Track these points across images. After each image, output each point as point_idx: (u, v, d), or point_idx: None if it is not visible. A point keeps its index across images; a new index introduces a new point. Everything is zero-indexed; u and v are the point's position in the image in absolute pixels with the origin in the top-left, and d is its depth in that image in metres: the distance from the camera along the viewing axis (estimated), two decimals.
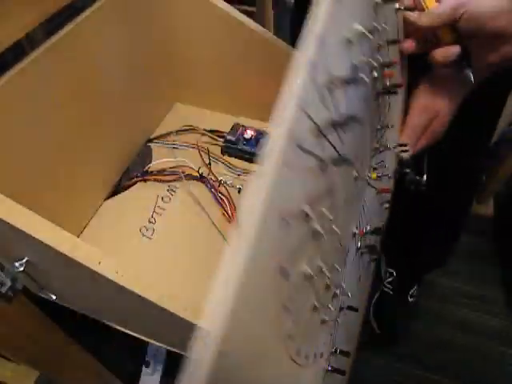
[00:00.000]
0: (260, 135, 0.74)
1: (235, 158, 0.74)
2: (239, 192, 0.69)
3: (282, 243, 0.25)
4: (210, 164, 0.71)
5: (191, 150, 0.74)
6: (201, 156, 0.71)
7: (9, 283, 0.46)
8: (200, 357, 0.20)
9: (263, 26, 0.65)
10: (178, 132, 0.77)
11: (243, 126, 0.75)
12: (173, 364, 0.68)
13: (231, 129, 0.74)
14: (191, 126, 0.77)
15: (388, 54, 0.43)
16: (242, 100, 0.77)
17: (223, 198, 0.65)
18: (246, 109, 0.79)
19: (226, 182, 0.70)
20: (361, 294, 0.50)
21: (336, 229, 0.33)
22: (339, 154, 0.31)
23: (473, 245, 1.14)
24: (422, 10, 0.45)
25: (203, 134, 0.76)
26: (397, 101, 0.50)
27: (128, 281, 0.38)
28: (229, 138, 0.73)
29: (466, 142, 0.63)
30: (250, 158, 0.73)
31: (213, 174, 0.69)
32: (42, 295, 0.53)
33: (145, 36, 0.66)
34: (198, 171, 0.69)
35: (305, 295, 0.30)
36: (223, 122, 0.77)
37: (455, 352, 0.96)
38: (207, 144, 0.74)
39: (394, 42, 0.43)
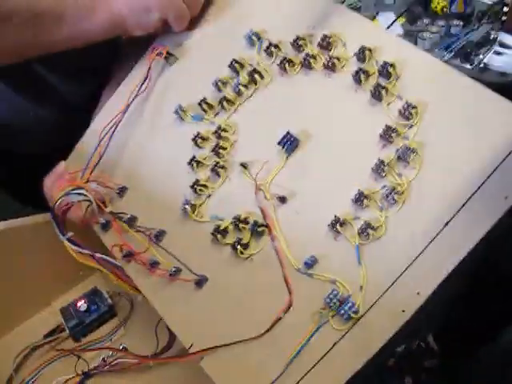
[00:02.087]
0: (91, 296, 0.69)
1: (93, 331, 0.67)
2: None
3: None
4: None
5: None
6: None
7: None
8: None
9: None
10: None
11: (69, 304, 0.68)
12: None
13: (63, 315, 0.68)
14: None
15: None
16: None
17: None
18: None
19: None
20: None
21: None
22: None
23: None
24: None
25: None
26: None
27: None
28: (71, 324, 0.66)
29: None
30: (104, 319, 0.68)
31: None
32: None
33: None
34: None
35: None
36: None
37: None
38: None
39: None
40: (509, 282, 0.78)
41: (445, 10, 1.20)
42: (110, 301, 0.69)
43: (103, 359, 0.64)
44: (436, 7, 1.23)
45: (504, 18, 1.13)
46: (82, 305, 0.69)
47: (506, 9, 1.12)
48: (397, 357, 1.05)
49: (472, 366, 0.89)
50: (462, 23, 1.17)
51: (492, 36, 1.10)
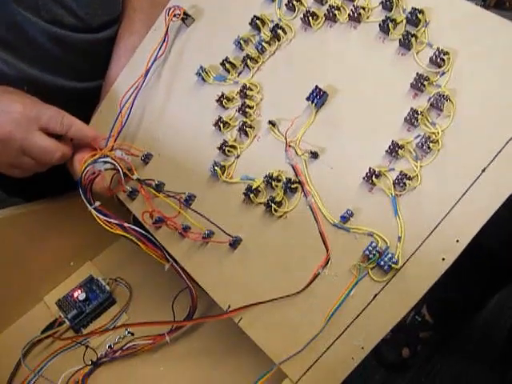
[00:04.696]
0: (88, 285, 0.70)
1: (93, 322, 0.69)
2: None
3: None
4: None
5: None
6: None
7: None
8: None
9: None
10: None
11: (64, 296, 0.69)
12: None
13: (60, 307, 0.68)
14: None
15: None
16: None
17: None
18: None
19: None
20: None
21: None
22: None
23: None
24: None
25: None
26: None
27: None
28: (71, 316, 0.66)
29: None
30: (104, 307, 0.69)
31: None
32: None
33: None
34: None
35: None
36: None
37: None
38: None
39: None
40: (493, 257, 0.82)
41: None
42: (108, 288, 0.69)
43: (109, 347, 0.64)
44: None
45: None
46: (79, 294, 0.68)
47: None
48: (393, 330, 1.10)
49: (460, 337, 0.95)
50: None
51: None
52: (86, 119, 0.62)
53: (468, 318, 0.92)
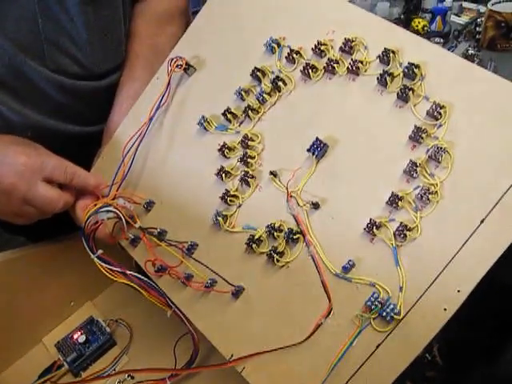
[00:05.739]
0: (88, 326, 0.70)
1: (92, 364, 0.68)
2: None
3: None
4: None
5: None
6: None
7: None
8: None
9: None
10: None
11: (63, 338, 0.69)
12: None
13: (59, 349, 0.68)
14: None
15: None
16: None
17: None
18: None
19: None
20: None
21: None
22: None
23: None
24: None
25: None
26: None
27: None
28: (70, 359, 0.66)
29: None
30: (104, 350, 0.68)
31: None
32: None
33: None
34: None
35: None
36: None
37: None
38: None
39: None
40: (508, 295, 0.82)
41: (425, 28, 1.27)
42: (108, 329, 0.69)
43: None
44: (417, 26, 1.30)
45: (478, 36, 1.19)
46: (79, 336, 0.68)
47: (478, 28, 1.18)
48: None
49: None
50: (442, 41, 1.23)
51: (470, 52, 1.14)
52: (88, 162, 0.63)
53: (482, 365, 0.89)
